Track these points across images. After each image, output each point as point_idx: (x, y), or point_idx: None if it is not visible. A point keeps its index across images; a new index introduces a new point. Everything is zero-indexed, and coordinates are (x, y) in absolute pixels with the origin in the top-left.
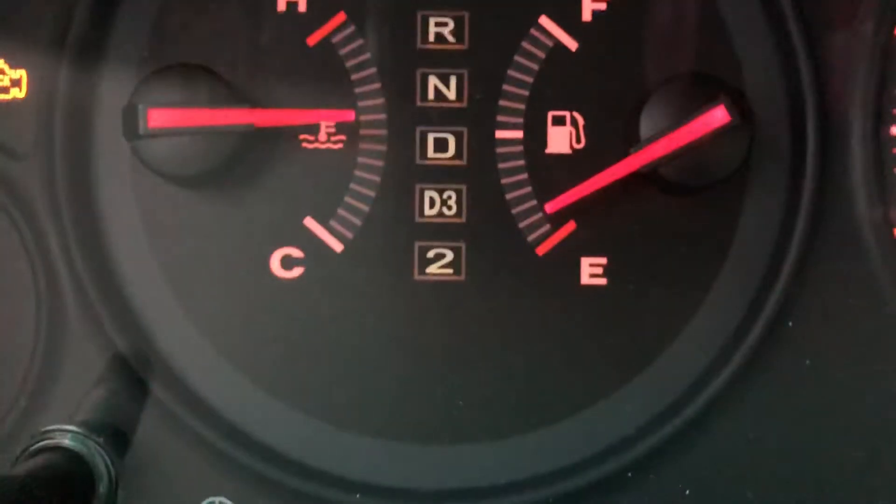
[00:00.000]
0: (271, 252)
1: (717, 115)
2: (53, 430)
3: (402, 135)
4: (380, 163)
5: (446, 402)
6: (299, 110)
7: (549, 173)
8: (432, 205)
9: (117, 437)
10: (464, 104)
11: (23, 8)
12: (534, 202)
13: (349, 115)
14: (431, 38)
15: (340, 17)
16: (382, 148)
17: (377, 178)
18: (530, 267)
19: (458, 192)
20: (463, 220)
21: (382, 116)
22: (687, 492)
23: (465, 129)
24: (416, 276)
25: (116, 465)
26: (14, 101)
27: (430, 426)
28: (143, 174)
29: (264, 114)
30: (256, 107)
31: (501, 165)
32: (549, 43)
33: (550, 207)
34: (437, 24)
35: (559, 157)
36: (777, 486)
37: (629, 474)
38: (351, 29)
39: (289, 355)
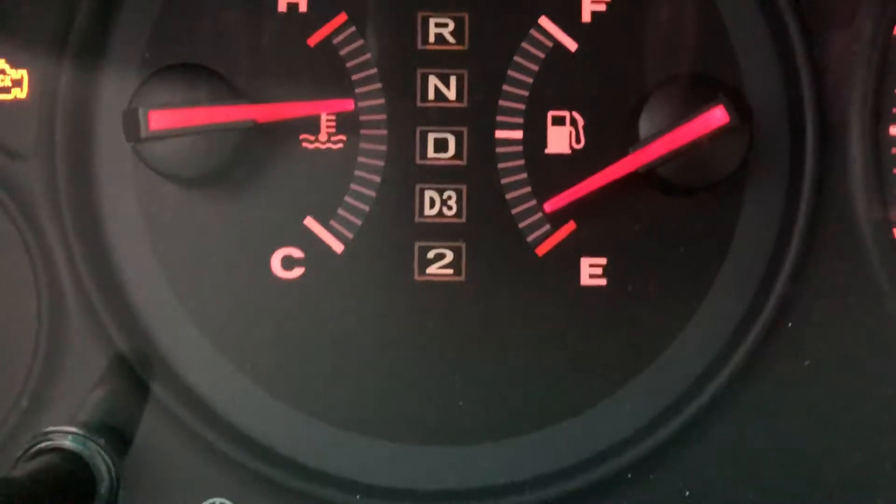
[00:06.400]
0: (272, 252)
1: (716, 116)
2: (54, 432)
3: (403, 135)
4: (380, 163)
5: (446, 402)
6: (299, 103)
7: (549, 173)
8: (432, 205)
9: (118, 437)
10: (464, 104)
11: (24, 8)
12: (533, 202)
13: (348, 105)
14: (432, 38)
15: (341, 17)
16: (382, 148)
17: (377, 178)
18: (530, 267)
19: (458, 192)
20: (463, 220)
21: (383, 116)
22: (687, 492)
23: (464, 129)
24: (417, 277)
25: (117, 465)
26: (15, 101)
27: (430, 426)
28: (145, 174)
29: (265, 109)
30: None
31: (501, 165)
32: (549, 43)
33: (549, 207)
34: (437, 25)
35: (559, 157)
36: (777, 486)
37: (629, 475)
38: (351, 30)
39: (289, 355)
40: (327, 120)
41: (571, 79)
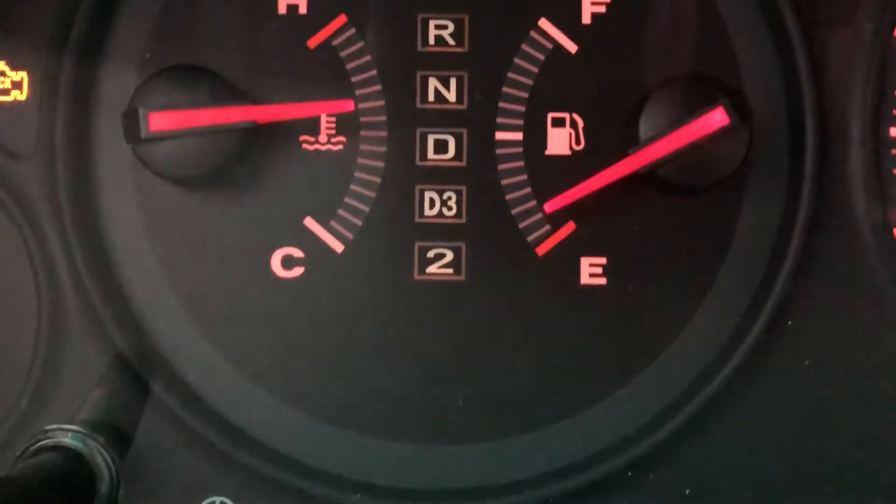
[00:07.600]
0: (272, 252)
1: (717, 117)
2: (54, 430)
3: (403, 136)
4: (380, 164)
5: (446, 402)
6: (299, 104)
7: (549, 174)
8: (432, 205)
9: (118, 436)
10: (464, 106)
11: (24, 9)
12: (533, 203)
13: (348, 106)
14: (431, 40)
15: (341, 19)
16: (382, 149)
17: (377, 179)
18: (530, 267)
19: (458, 193)
20: (463, 220)
21: (383, 118)
22: (687, 492)
23: (464, 131)
24: (417, 277)
25: (117, 464)
26: (15, 102)
27: (430, 426)
28: (144, 175)
29: (265, 110)
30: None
31: (501, 166)
32: (549, 45)
33: (549, 207)
34: (437, 27)
35: (559, 159)
36: (777, 486)
37: (629, 474)
38: (351, 31)
39: (289, 355)
40: (327, 121)
41: (571, 80)
